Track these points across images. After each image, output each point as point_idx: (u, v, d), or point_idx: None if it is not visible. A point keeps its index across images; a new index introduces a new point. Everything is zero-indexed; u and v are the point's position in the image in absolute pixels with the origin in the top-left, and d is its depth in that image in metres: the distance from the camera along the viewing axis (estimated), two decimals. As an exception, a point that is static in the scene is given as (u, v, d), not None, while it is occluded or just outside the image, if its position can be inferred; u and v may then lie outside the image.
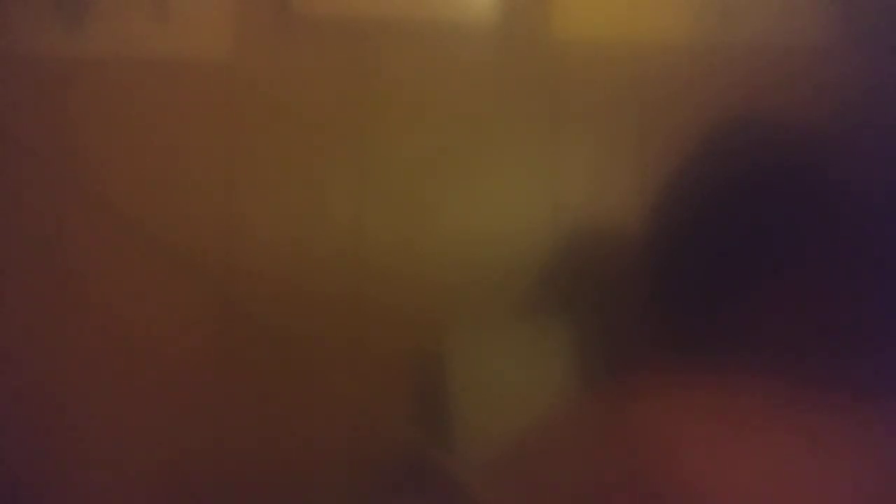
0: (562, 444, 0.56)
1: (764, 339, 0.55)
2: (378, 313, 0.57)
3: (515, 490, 0.55)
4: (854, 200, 0.56)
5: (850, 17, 0.59)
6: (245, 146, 0.58)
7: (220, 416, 0.57)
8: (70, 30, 0.58)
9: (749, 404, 0.54)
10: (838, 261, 0.56)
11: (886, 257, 0.56)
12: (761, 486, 0.52)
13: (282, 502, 0.56)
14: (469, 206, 0.58)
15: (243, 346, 0.57)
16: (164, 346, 0.57)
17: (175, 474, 0.56)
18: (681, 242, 0.56)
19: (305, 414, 0.56)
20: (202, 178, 0.58)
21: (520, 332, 0.57)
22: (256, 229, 0.58)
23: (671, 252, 0.57)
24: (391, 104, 0.58)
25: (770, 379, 0.53)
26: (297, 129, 0.58)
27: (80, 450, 0.56)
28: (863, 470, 0.52)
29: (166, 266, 0.57)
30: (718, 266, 0.56)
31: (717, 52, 0.59)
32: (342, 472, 0.57)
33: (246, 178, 0.58)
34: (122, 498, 0.56)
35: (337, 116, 0.58)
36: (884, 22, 0.59)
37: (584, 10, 0.59)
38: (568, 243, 0.57)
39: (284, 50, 0.59)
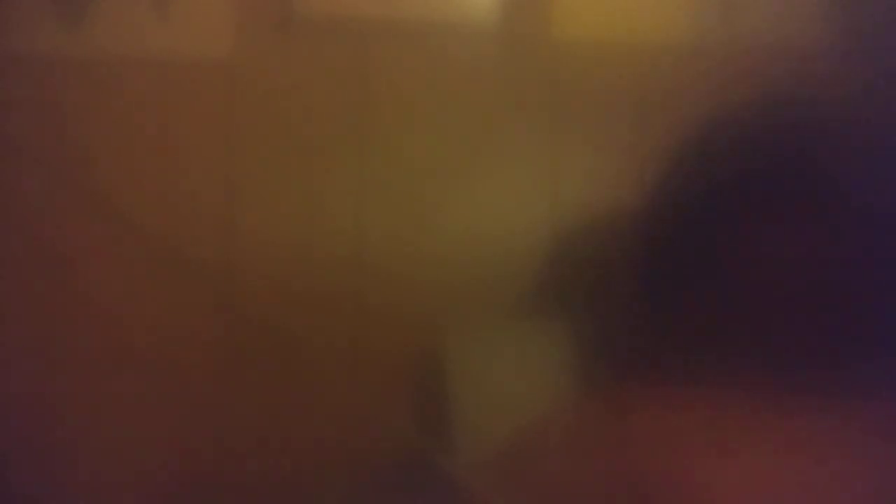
0: (562, 444, 0.56)
1: (765, 340, 0.55)
2: (378, 313, 0.57)
3: (515, 490, 0.55)
4: (854, 201, 0.56)
5: (850, 17, 0.59)
6: (245, 146, 0.58)
7: (218, 416, 0.57)
8: (70, 29, 0.58)
9: (749, 408, 0.54)
10: (839, 261, 0.56)
11: (887, 258, 0.56)
12: (760, 490, 0.52)
13: (280, 502, 0.56)
14: (470, 206, 0.58)
15: (242, 346, 0.57)
16: (164, 346, 0.57)
17: (173, 474, 0.57)
18: (682, 243, 0.56)
19: (304, 414, 0.56)
20: (202, 178, 0.58)
21: (520, 332, 0.57)
22: (256, 229, 0.58)
23: (672, 253, 0.57)
24: (392, 104, 0.58)
25: (771, 381, 0.54)
26: (297, 128, 0.58)
27: (80, 450, 0.56)
28: (865, 478, 0.52)
29: (165, 266, 0.57)
30: (719, 267, 0.56)
31: (717, 52, 0.59)
32: (341, 472, 0.57)
33: (246, 178, 0.58)
34: (120, 498, 0.56)
35: (338, 116, 0.58)
36: (884, 22, 0.59)
37: (584, 11, 0.59)
38: (568, 244, 0.57)
39: (285, 49, 0.59)
